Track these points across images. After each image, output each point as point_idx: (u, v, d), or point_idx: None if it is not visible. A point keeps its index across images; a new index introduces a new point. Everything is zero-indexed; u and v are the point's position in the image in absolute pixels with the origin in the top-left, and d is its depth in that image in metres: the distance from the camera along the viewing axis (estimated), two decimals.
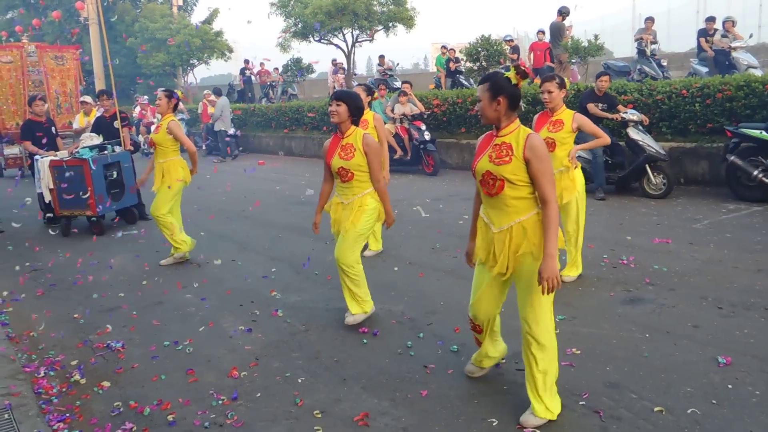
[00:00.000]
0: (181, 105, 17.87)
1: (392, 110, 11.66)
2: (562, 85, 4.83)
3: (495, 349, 3.48)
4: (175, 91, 6.52)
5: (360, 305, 4.42)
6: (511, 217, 2.92)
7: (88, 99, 10.13)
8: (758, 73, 10.11)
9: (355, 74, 22.24)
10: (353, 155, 4.13)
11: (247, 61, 23.22)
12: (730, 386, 3.27)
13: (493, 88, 2.90)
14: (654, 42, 12.81)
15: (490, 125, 3.01)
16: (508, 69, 2.90)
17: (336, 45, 21.56)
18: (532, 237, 2.89)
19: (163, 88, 6.40)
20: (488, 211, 3.03)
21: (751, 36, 12.88)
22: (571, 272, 5.07)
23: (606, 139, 5.16)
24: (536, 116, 5.05)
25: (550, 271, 2.77)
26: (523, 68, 2.86)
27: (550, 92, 4.80)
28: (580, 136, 5.89)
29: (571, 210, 4.93)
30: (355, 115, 4.21)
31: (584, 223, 5.04)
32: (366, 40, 21.62)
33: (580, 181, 4.98)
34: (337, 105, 4.13)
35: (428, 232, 6.99)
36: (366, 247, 6.27)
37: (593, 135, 5.09)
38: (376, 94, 6.81)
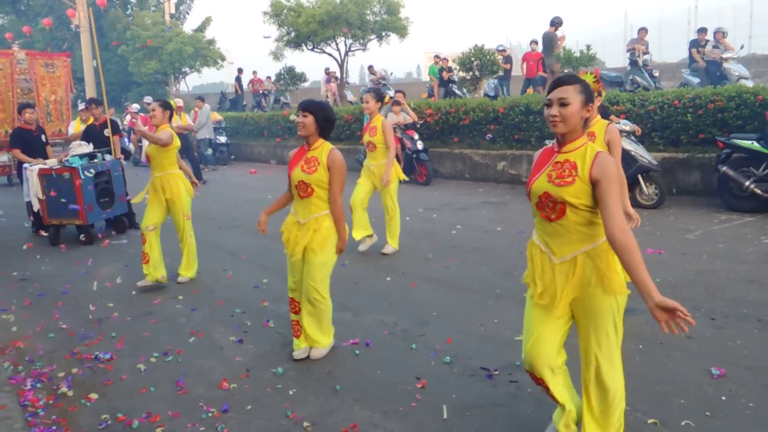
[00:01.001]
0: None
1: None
2: (598, 93, 4.29)
3: (573, 400, 2.82)
4: (169, 101, 6.26)
5: (327, 335, 4.13)
6: (575, 246, 2.51)
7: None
8: (749, 83, 10.19)
9: (348, 83, 22.26)
10: (316, 169, 3.77)
11: (240, 70, 23.24)
12: (723, 398, 3.26)
13: (587, 92, 2.51)
14: (646, 52, 12.91)
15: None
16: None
17: (329, 54, 21.60)
18: (602, 268, 2.49)
19: (156, 99, 6.10)
20: (546, 239, 2.59)
21: (742, 47, 13.00)
22: None
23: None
24: None
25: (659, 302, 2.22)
26: (597, 74, 2.55)
27: None
28: None
29: None
30: (324, 127, 3.85)
31: None
32: (359, 50, 21.67)
33: None
34: (304, 116, 3.78)
35: (421, 242, 6.96)
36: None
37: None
38: (387, 98, 6.78)
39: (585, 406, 2.69)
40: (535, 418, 3.17)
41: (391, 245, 6.57)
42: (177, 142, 5.75)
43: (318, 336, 4.06)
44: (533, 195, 2.59)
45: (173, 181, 5.70)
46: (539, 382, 2.74)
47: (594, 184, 2.42)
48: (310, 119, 3.79)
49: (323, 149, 3.84)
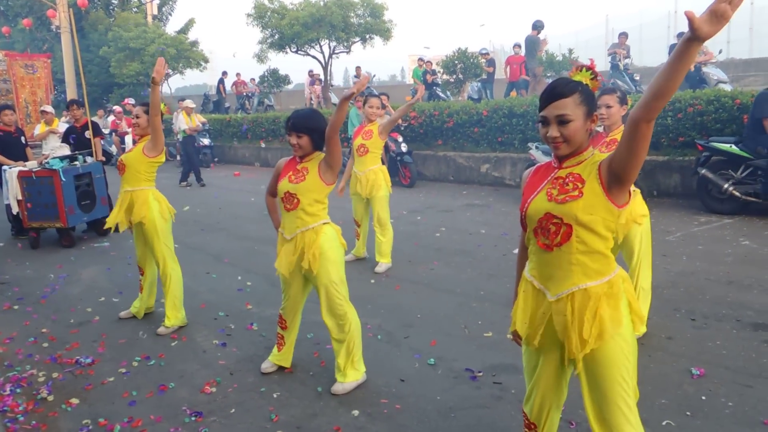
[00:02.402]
0: None
1: None
2: (623, 101, 4.03)
3: None
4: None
5: (356, 368, 3.69)
6: (574, 280, 2.09)
7: (48, 108, 9.76)
8: (728, 87, 10.34)
9: (332, 85, 22.27)
10: (304, 178, 3.48)
11: (225, 73, 23.16)
12: (703, 398, 3.30)
13: (588, 99, 2.08)
14: (627, 56, 13.07)
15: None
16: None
17: (313, 56, 21.59)
18: (605, 310, 2.07)
19: (140, 103, 5.01)
20: (542, 272, 2.18)
21: (720, 52, 13.20)
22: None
23: None
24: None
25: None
26: (593, 68, 2.15)
27: (609, 107, 3.98)
28: None
29: (630, 244, 4.13)
30: (320, 142, 3.50)
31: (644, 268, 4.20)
32: (343, 52, 21.70)
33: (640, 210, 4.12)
34: (299, 137, 3.45)
35: (405, 245, 6.97)
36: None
37: None
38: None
39: None
40: (518, 419, 3.19)
41: (384, 262, 6.11)
42: (163, 157, 4.79)
43: (347, 368, 3.65)
44: (531, 219, 2.17)
45: (144, 199, 4.67)
46: (530, 426, 2.44)
47: (609, 167, 2.01)
48: (305, 140, 3.47)
49: (315, 160, 3.53)
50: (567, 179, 2.10)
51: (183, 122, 13.09)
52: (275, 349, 3.97)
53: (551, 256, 2.12)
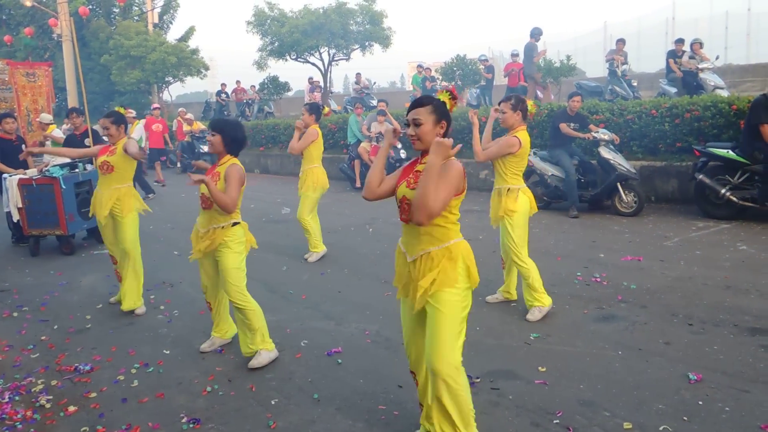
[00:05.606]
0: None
1: (368, 129, 11.74)
2: (515, 107, 4.80)
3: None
4: (119, 110, 5.54)
5: (264, 341, 4.13)
6: (423, 246, 2.76)
7: (39, 118, 9.78)
8: (724, 93, 10.37)
9: (331, 92, 22.34)
10: (216, 183, 3.95)
11: (223, 85, 23.25)
12: (700, 402, 3.31)
13: (438, 111, 2.74)
14: (625, 63, 13.12)
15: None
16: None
17: (312, 63, 21.67)
18: (444, 267, 2.72)
19: (106, 116, 5.38)
20: (404, 239, 2.89)
21: (717, 58, 13.24)
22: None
23: (478, 155, 5.00)
24: None
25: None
26: (453, 92, 2.84)
27: (503, 113, 4.83)
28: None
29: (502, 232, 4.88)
30: (232, 146, 4.03)
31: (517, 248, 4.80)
32: (342, 59, 21.78)
33: (523, 203, 4.78)
34: (212, 135, 3.98)
35: None
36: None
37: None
38: (326, 110, 7.24)
39: (435, 409, 2.85)
40: (516, 424, 3.20)
41: (314, 251, 6.80)
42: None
43: (253, 341, 4.13)
44: (396, 199, 2.87)
45: (127, 196, 5.26)
46: (413, 374, 3.04)
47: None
48: (217, 138, 3.98)
49: (226, 165, 4.01)
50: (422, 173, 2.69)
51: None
52: (214, 327, 4.50)
53: (409, 227, 2.81)
